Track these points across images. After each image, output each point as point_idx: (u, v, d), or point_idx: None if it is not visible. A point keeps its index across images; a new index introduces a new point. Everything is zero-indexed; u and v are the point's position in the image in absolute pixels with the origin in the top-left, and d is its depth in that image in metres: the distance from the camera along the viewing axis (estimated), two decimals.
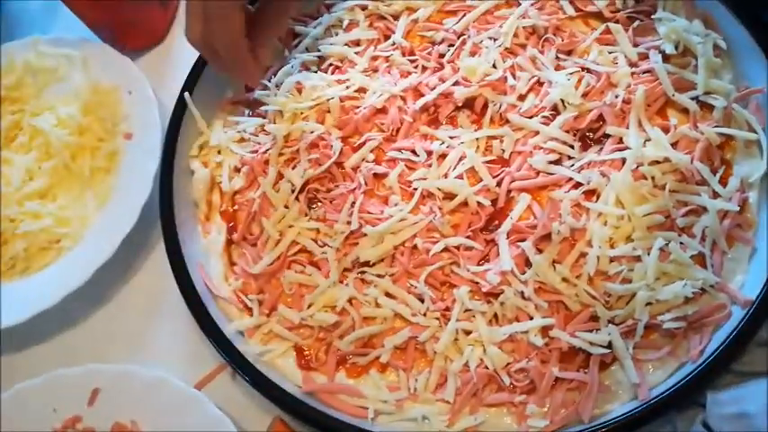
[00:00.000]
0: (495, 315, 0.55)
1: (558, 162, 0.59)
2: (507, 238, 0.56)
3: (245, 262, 0.60)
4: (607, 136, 0.59)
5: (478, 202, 0.58)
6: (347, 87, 0.64)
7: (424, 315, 0.55)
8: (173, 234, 0.61)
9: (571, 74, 0.61)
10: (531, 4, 0.65)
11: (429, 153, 0.60)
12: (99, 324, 0.65)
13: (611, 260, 0.54)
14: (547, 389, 0.52)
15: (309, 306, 0.57)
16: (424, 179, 0.59)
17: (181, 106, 0.66)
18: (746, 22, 0.59)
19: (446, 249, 0.57)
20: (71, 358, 0.62)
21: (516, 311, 0.54)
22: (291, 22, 0.71)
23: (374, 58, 0.66)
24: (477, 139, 0.60)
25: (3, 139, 0.72)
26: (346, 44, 0.68)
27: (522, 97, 0.62)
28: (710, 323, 0.52)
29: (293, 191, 0.61)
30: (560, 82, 0.60)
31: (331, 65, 0.67)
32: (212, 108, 0.68)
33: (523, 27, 0.64)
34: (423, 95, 0.63)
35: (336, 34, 0.69)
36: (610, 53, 0.62)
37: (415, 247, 0.57)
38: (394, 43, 0.67)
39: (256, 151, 0.64)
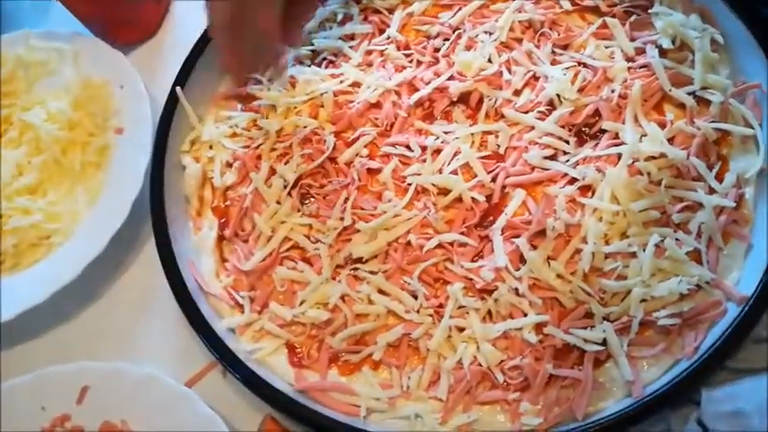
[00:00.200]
0: (489, 312, 0.54)
1: (553, 157, 0.58)
2: (502, 234, 0.56)
3: (236, 258, 0.60)
4: (603, 131, 0.58)
5: (473, 198, 0.57)
6: (341, 82, 0.64)
7: (418, 312, 0.55)
8: (163, 230, 0.60)
9: (567, 68, 0.60)
10: None
11: (423, 148, 0.60)
12: (89, 321, 0.65)
13: (606, 256, 0.53)
14: (541, 386, 0.51)
15: (301, 303, 0.57)
16: (419, 174, 0.59)
17: (172, 101, 0.65)
18: (744, 16, 0.58)
19: (440, 245, 0.56)
20: (61, 355, 0.61)
21: (510, 308, 0.54)
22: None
23: (368, 53, 0.66)
24: (472, 134, 0.60)
25: None
26: (340, 38, 0.67)
27: (517, 92, 0.61)
28: (706, 320, 0.52)
29: (286, 186, 0.61)
30: (556, 77, 0.59)
31: (325, 59, 0.67)
32: (204, 103, 0.68)
33: (519, 21, 0.64)
34: (417, 90, 0.62)
35: (330, 28, 0.69)
36: (606, 48, 0.62)
37: (408, 243, 0.57)
38: (389, 37, 0.66)
39: (248, 146, 0.64)
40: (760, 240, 0.54)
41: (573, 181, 0.57)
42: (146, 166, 0.64)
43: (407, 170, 0.59)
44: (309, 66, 0.66)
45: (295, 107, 0.64)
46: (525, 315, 0.53)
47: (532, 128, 0.59)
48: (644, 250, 0.52)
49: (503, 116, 0.60)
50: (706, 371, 0.49)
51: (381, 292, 0.56)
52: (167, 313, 0.61)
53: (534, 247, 0.54)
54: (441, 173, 0.58)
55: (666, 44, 0.60)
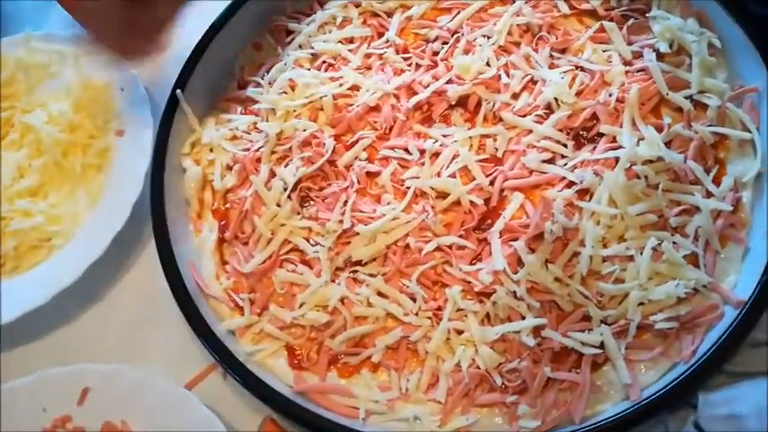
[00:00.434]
0: (488, 315, 0.54)
1: (551, 161, 0.58)
2: (500, 237, 0.56)
3: (236, 261, 0.60)
4: (600, 135, 0.58)
5: (471, 201, 0.57)
6: (340, 85, 0.64)
7: (416, 315, 0.55)
8: (164, 232, 0.60)
9: (565, 72, 0.61)
10: (526, 2, 0.65)
11: (422, 151, 0.60)
12: (90, 322, 0.65)
13: (604, 260, 0.54)
14: (538, 389, 0.52)
15: (301, 305, 0.57)
16: (417, 178, 0.59)
17: (173, 104, 0.65)
18: (741, 20, 0.58)
19: (438, 248, 0.57)
20: (62, 357, 0.61)
21: (508, 311, 0.54)
22: (285, 20, 0.70)
23: (367, 56, 0.66)
24: (470, 137, 0.60)
25: None
26: (340, 41, 0.67)
27: (515, 96, 0.61)
28: (703, 323, 0.52)
29: (285, 189, 0.61)
30: (554, 80, 0.60)
31: (324, 62, 0.67)
32: (204, 106, 0.68)
33: (517, 25, 0.64)
34: (416, 93, 0.62)
35: (330, 31, 0.69)
36: (604, 51, 0.62)
37: (407, 246, 0.57)
38: (387, 41, 0.66)
39: (248, 149, 0.64)
40: (757, 244, 0.54)
41: (571, 184, 0.57)
42: (146, 168, 0.64)
43: (406, 173, 0.59)
44: (309, 69, 0.66)
45: (295, 110, 0.64)
46: (523, 318, 0.53)
47: (530, 131, 0.59)
48: (641, 254, 0.53)
49: (501, 120, 0.61)
50: (703, 374, 0.49)
51: (380, 294, 0.56)
52: (167, 315, 0.61)
53: (532, 251, 0.54)
54: (439, 176, 0.59)
55: (664, 48, 0.60)
